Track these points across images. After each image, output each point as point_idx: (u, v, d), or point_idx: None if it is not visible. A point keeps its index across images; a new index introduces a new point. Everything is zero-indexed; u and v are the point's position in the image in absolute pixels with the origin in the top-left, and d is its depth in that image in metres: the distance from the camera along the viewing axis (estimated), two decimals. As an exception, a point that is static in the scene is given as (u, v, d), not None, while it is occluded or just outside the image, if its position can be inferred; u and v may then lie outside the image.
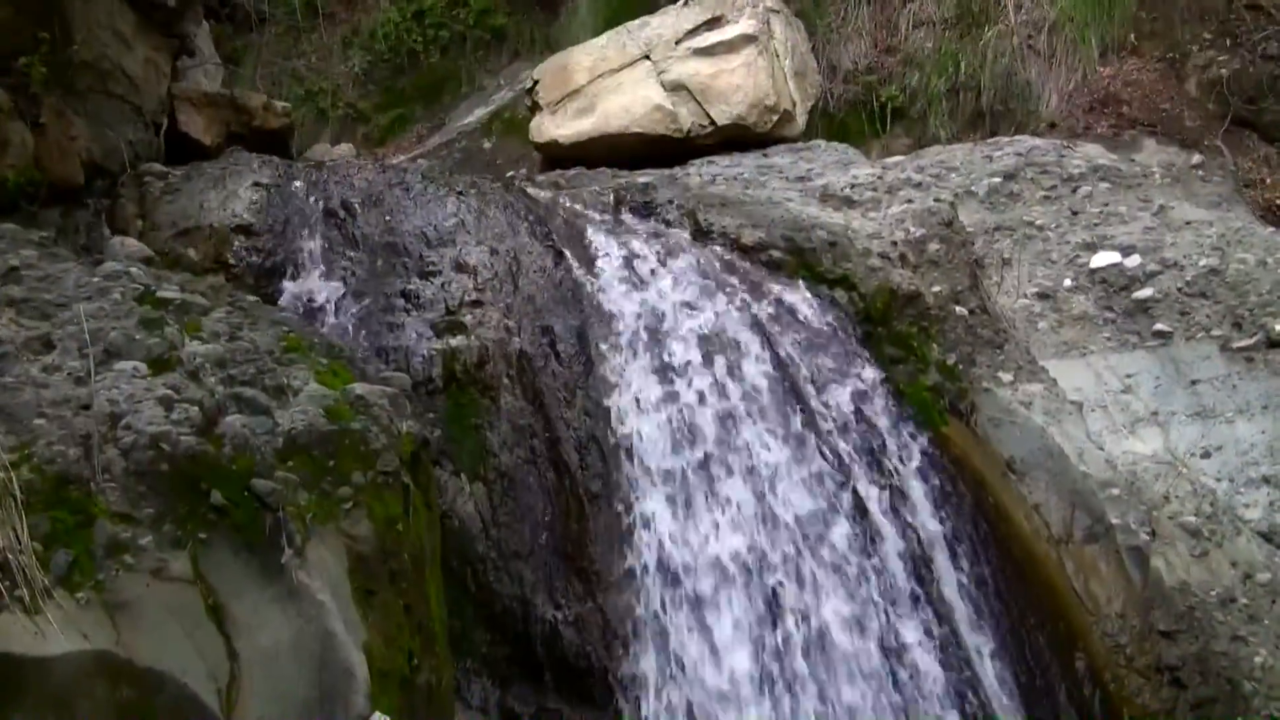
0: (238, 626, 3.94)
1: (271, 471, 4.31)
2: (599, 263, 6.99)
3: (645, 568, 5.72)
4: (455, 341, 6.19)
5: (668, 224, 7.66)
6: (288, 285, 6.55)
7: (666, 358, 6.42)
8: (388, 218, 7.01)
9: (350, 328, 6.26)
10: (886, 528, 6.14)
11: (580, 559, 5.74)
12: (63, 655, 3.51)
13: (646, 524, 5.83)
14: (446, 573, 5.24)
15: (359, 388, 4.91)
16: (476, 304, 6.44)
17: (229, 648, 3.89)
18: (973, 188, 8.86)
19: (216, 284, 5.95)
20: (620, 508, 5.87)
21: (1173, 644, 6.14)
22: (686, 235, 7.52)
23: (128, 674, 3.62)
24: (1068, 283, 7.89)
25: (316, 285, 6.53)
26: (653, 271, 6.99)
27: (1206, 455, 6.85)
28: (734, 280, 7.05)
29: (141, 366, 4.52)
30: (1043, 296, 7.85)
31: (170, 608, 3.84)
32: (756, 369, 6.49)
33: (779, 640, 5.68)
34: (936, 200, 8.37)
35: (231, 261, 6.56)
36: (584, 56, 11.24)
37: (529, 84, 11.60)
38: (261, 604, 4.03)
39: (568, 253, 6.98)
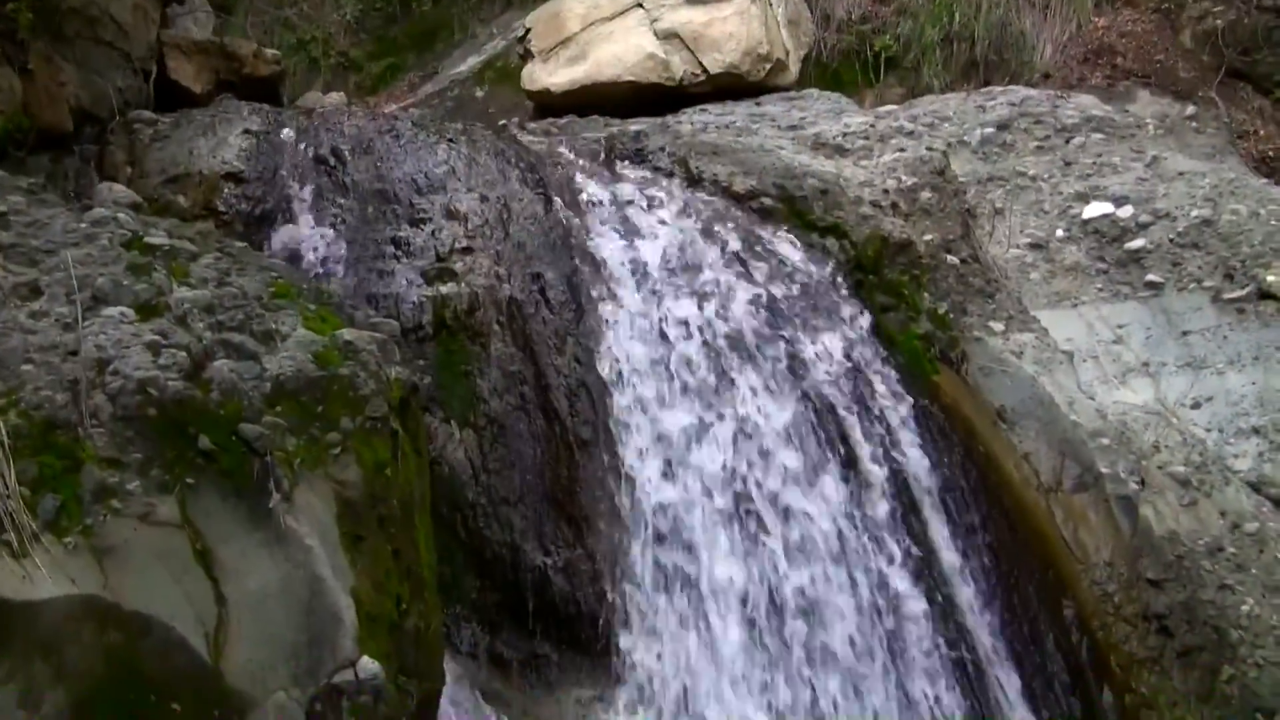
0: (225, 571, 3.93)
1: (259, 417, 4.29)
2: (589, 209, 6.97)
3: (635, 515, 5.74)
4: (445, 288, 6.17)
5: (659, 171, 7.66)
6: (277, 232, 6.50)
7: (657, 304, 6.40)
8: (378, 165, 6.97)
9: (340, 274, 6.24)
10: (876, 474, 6.15)
11: (570, 505, 5.74)
12: (50, 599, 3.51)
13: (636, 471, 5.85)
14: (436, 519, 5.24)
15: (347, 333, 4.89)
16: (467, 251, 6.42)
17: (217, 592, 3.88)
18: (965, 137, 8.84)
19: (205, 230, 5.91)
20: (609, 455, 5.88)
21: (1160, 592, 6.17)
22: (678, 182, 7.50)
23: (115, 618, 3.62)
24: (1060, 233, 7.89)
25: (306, 232, 6.49)
26: (643, 218, 6.97)
27: (1197, 405, 6.87)
28: (725, 228, 7.03)
29: (129, 312, 4.50)
30: (1035, 246, 7.85)
31: (158, 552, 3.83)
32: (746, 316, 6.48)
33: (770, 590, 5.72)
34: (929, 149, 8.35)
35: (221, 208, 6.51)
36: (576, 4, 11.20)
37: (521, 32, 11.57)
38: (249, 549, 4.03)
39: (558, 200, 6.95)
